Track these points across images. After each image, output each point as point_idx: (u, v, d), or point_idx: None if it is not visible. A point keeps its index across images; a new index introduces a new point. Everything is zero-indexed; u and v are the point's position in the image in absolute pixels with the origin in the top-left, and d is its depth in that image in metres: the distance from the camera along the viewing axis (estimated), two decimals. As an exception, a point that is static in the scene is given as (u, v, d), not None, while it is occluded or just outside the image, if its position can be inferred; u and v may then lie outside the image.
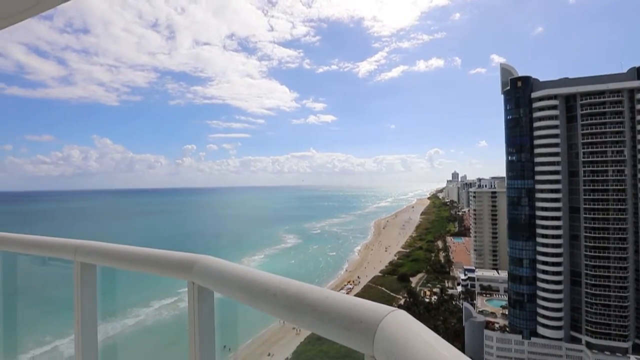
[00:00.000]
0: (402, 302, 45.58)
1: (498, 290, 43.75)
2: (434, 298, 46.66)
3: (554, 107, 35.98)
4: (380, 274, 59.26)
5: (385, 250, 74.13)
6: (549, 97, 36.15)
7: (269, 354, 31.48)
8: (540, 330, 33.80)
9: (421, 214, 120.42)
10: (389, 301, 40.04)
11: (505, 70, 39.38)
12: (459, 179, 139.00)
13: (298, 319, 0.92)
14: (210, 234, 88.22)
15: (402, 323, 0.76)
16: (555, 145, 35.49)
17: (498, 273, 46.70)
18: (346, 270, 62.74)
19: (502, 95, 39.34)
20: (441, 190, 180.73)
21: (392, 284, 53.97)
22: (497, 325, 36.40)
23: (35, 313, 2.95)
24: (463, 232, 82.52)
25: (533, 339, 33.77)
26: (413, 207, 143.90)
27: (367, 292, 49.08)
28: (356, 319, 0.80)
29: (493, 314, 38.62)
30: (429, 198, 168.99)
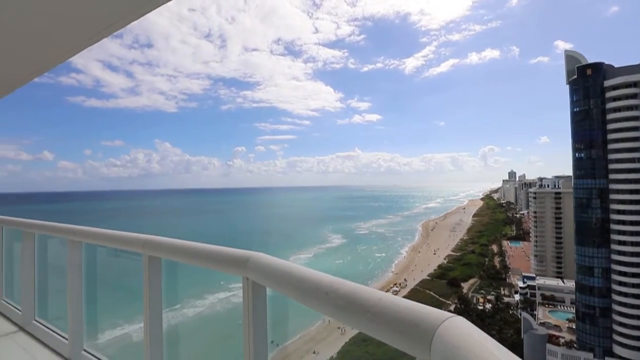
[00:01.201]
0: (452, 308, 43.35)
1: (563, 301, 39.60)
2: (488, 306, 43.65)
3: (632, 96, 31.59)
4: (428, 278, 56.92)
5: (434, 253, 71.04)
6: (627, 85, 31.80)
7: (314, 352, 31.88)
8: (617, 349, 29.90)
9: (473, 216, 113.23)
10: (437, 307, 38.06)
11: (571, 57, 35.45)
12: (517, 179, 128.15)
13: (350, 318, 0.92)
14: (259, 232, 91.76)
15: (461, 330, 0.73)
16: (636, 139, 31.15)
17: (563, 282, 42.27)
18: (392, 272, 61.30)
19: (568, 86, 35.48)
20: (496, 191, 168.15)
21: (441, 289, 51.56)
22: (562, 340, 33.00)
23: (110, 298, 3.34)
24: (521, 236, 76.00)
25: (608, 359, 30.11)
26: (464, 208, 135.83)
27: (414, 296, 47.40)
28: (411, 322, 0.78)
29: (557, 327, 35.09)
30: (482, 199, 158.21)
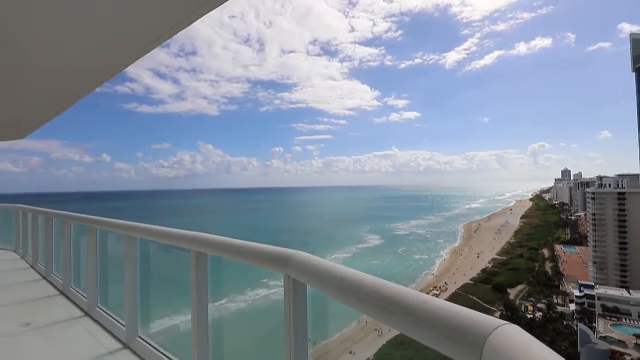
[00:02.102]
0: (497, 315, 40.89)
1: (629, 314, 35.65)
2: (539, 315, 40.52)
3: None
4: (471, 282, 54.17)
5: (478, 257, 67.45)
6: None
7: (350, 352, 31.73)
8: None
9: (522, 218, 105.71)
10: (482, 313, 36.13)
11: (638, 42, 31.79)
12: (572, 177, 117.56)
13: (393, 321, 0.90)
14: (297, 231, 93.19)
15: (517, 339, 0.67)
16: None
17: (629, 293, 38.07)
18: (432, 275, 59.17)
19: (634, 74, 31.87)
20: (548, 191, 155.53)
21: (485, 294, 48.79)
22: (628, 358, 29.77)
23: (159, 290, 3.58)
24: (577, 241, 69.63)
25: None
26: (511, 209, 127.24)
27: (456, 301, 44.96)
28: (459, 328, 0.74)
29: (622, 343, 31.60)
30: (531, 199, 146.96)
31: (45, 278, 5.09)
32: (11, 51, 2.53)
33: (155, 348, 2.59)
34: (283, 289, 1.36)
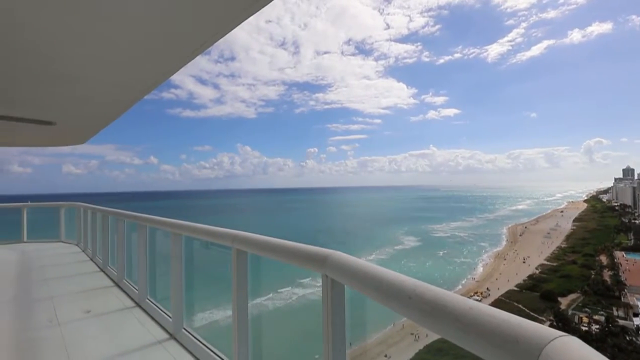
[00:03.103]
0: (546, 325, 37.90)
1: None
2: (596, 327, 37.05)
3: None
4: (516, 289, 50.89)
5: (523, 262, 63.20)
6: None
7: (385, 355, 31.16)
8: None
9: (574, 221, 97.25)
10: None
11: None
12: (636, 176, 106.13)
13: (437, 326, 0.86)
14: (332, 231, 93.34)
15: (577, 352, 0.61)
16: None
17: None
18: (473, 279, 56.36)
19: None
20: (605, 191, 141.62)
21: (532, 302, 45.58)
22: None
23: (201, 285, 3.76)
24: (642, 247, 62.85)
25: None
26: (562, 211, 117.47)
27: (499, 308, 42.72)
28: (511, 337, 0.69)
29: (697, 363, 28.08)
30: (585, 201, 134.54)
31: (102, 270, 5.57)
32: (72, 67, 2.80)
33: (198, 340, 2.73)
34: (321, 288, 1.37)
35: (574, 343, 0.64)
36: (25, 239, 8.48)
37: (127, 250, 4.72)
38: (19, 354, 2.77)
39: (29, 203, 8.79)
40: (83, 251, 7.19)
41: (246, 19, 2.10)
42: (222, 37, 2.24)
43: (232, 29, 2.13)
